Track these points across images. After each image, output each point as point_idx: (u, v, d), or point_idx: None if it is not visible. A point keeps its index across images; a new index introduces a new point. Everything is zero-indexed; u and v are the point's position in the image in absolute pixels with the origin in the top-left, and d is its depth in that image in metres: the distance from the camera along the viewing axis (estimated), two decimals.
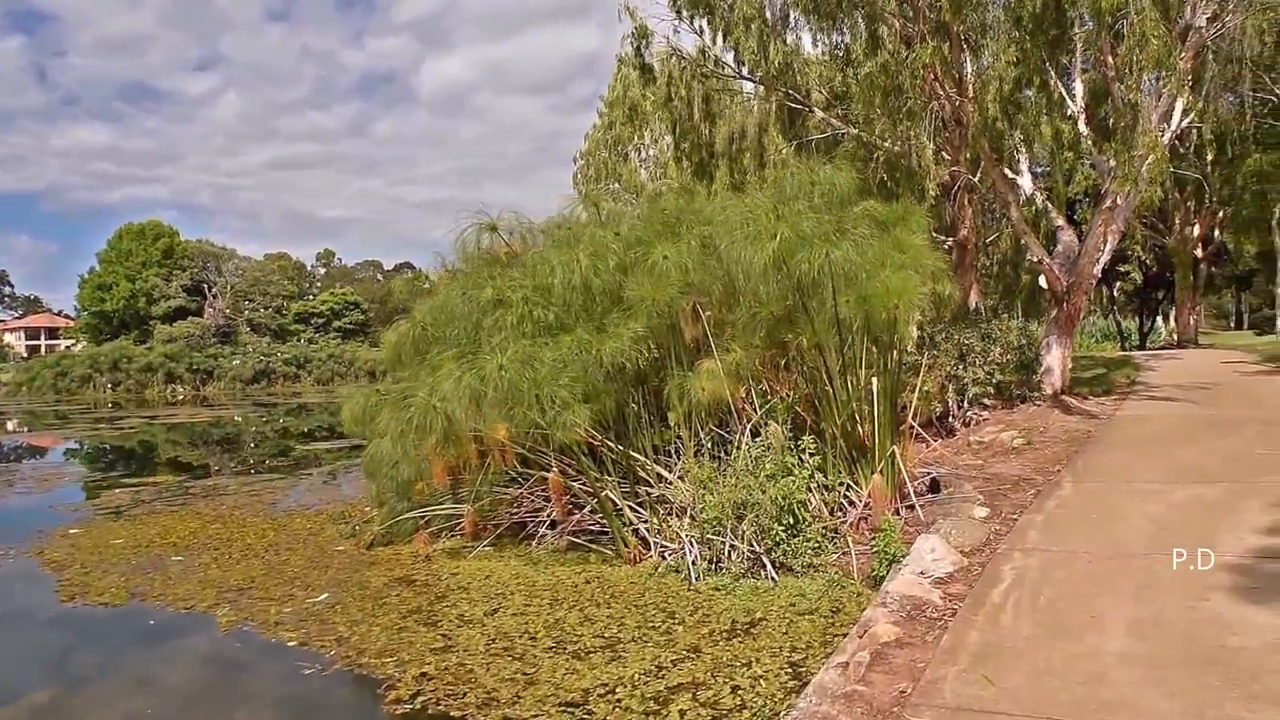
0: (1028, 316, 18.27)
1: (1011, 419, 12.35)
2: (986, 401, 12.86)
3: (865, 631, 4.76)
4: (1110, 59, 10.93)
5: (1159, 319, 42.16)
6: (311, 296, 70.96)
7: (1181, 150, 27.02)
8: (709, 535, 7.36)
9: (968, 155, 12.62)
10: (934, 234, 15.68)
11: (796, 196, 8.16)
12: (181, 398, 47.74)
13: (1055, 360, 12.97)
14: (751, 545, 7.15)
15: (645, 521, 8.06)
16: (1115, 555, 5.43)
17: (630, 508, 8.17)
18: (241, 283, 62.24)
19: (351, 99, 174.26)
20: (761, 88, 16.18)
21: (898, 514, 7.60)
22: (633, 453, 8.37)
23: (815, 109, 15.58)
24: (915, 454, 9.92)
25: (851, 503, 7.87)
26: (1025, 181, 13.65)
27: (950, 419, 12.83)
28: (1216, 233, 27.74)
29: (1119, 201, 11.71)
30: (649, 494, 8.10)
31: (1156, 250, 30.74)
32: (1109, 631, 4.19)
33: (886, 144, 12.87)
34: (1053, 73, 13.30)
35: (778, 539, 7.05)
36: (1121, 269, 33.47)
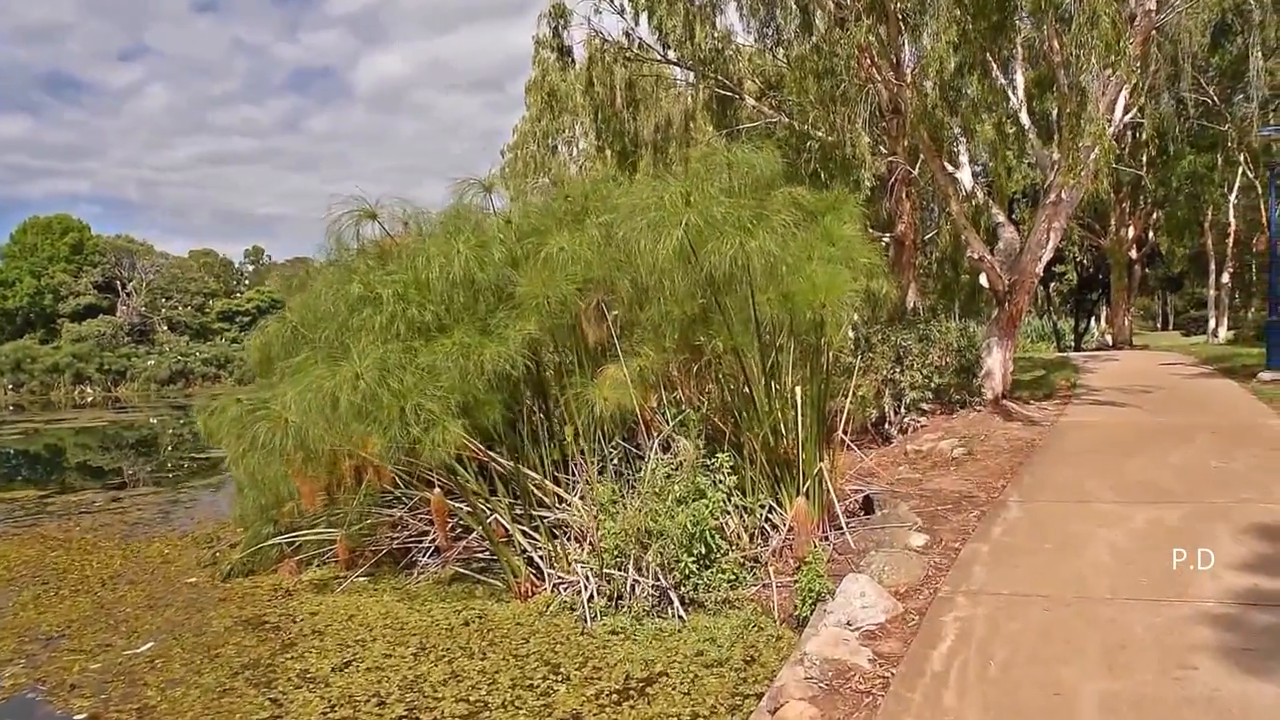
0: (968, 317, 17.67)
1: (951, 426, 11.61)
2: (925, 407, 12.11)
3: (776, 708, 3.79)
4: (1056, 43, 10.23)
5: (1093, 320, 42.54)
6: (239, 294, 68.07)
7: (1119, 150, 26.98)
8: (608, 568, 6.37)
9: (906, 145, 11.86)
10: (871, 230, 14.95)
11: (708, 179, 7.17)
12: (91, 399, 45.16)
13: (996, 363, 12.28)
14: (657, 579, 6.18)
15: (541, 549, 7.03)
16: (1076, 600, 4.55)
17: (524, 533, 7.13)
18: (159, 280, 59.23)
19: (286, 93, 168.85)
20: (692, 75, 15.26)
21: (826, 539, 6.69)
22: (528, 470, 7.33)
23: (747, 97, 14.72)
24: (849, 465, 9.09)
25: (775, 526, 6.93)
26: (966, 175, 12.95)
27: (887, 425, 12.06)
28: (1150, 234, 27.76)
29: (1063, 196, 11.04)
30: (545, 518, 7.08)
31: (1092, 251, 30.77)
32: (1079, 718, 3.28)
33: (820, 133, 12.04)
34: (994, 63, 12.63)
35: (687, 571, 6.09)
36: (1058, 269, 33.51)
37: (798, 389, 6.48)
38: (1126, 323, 28.89)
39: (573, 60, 14.56)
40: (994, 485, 7.87)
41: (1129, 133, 27.10)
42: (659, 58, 14.35)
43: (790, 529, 6.58)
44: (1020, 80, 13.10)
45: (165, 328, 57.31)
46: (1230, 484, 7.00)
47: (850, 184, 10.55)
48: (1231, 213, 24.61)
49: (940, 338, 11.66)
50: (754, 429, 6.82)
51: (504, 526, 7.06)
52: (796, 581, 5.77)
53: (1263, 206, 23.91)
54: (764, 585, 6.33)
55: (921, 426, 11.91)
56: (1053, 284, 37.85)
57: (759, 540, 6.94)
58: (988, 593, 4.82)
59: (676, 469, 6.73)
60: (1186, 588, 4.57)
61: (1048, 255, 12.39)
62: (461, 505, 7.12)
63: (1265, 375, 14.32)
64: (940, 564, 5.52)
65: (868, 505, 7.58)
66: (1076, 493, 7.17)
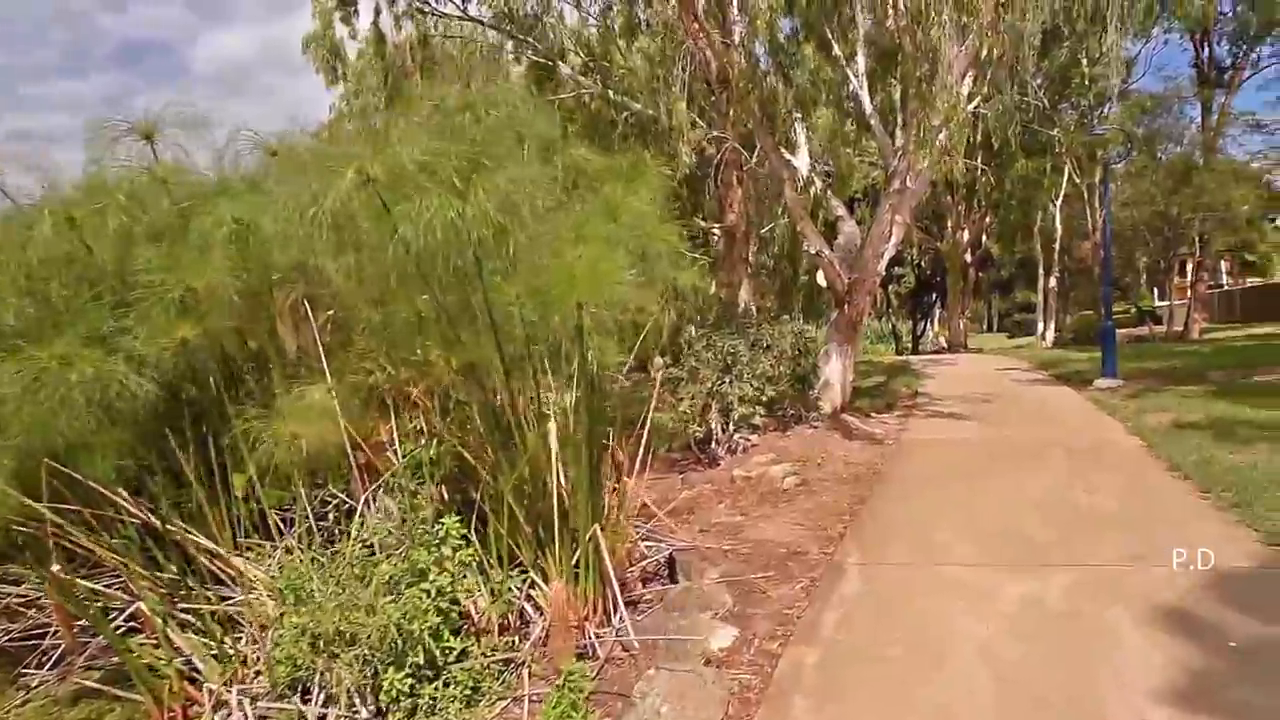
0: (808, 319, 16.54)
1: (785, 445, 10.10)
2: (757, 423, 10.57)
3: None
4: (903, 3, 8.84)
5: (929, 323, 43.46)
6: None
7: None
8: (282, 686, 4.25)
9: (736, 121, 10.27)
10: (700, 219, 13.41)
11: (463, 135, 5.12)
12: None
13: (835, 372, 10.91)
14: (354, 703, 4.12)
15: (208, 648, 4.81)
16: None
17: (185, 625, 4.87)
18: None
19: (109, 68, 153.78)
20: (511, 43, 13.20)
21: (603, 628, 4.82)
22: (197, 535, 5.08)
23: (565, 67, 12.77)
24: (663, 500, 7.35)
25: (539, 608, 5.01)
26: (803, 161, 11.53)
27: (714, 445, 10.41)
28: (984, 238, 27.99)
29: (909, 183, 9.74)
30: (229, 599, 4.88)
31: (930, 254, 30.89)
32: None
33: (638, 105, 10.25)
34: (833, 39, 11.28)
35: (397, 692, 4.06)
36: (898, 271, 33.68)
37: (551, 424, 4.57)
38: (962, 326, 29.05)
39: (355, 9, 12.21)
40: (829, 533, 6.27)
41: (968, 132, 27.21)
42: (456, 12, 12.19)
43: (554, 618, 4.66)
44: (862, 61, 11.84)
45: None
46: (1107, 529, 5.67)
47: (667, 157, 8.79)
48: (1058, 219, 24.88)
49: (774, 343, 10.13)
50: (507, 476, 4.86)
51: (163, 617, 4.79)
52: (548, 702, 3.89)
53: (1089, 212, 24.35)
54: (515, 698, 4.39)
55: (752, 446, 10.33)
56: (892, 286, 38.25)
57: (518, 626, 5.00)
58: None
59: (397, 531, 4.71)
60: None
61: (890, 251, 11.13)
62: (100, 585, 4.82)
63: (1101, 383, 13.76)
64: (747, 689, 3.74)
65: (671, 569, 5.77)
66: (927, 547, 5.63)
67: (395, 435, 5.41)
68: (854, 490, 7.67)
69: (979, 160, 25.91)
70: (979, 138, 25.02)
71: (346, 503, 5.29)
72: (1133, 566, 4.84)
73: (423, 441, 5.29)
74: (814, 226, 10.49)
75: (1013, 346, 31.89)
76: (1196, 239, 26.89)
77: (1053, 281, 25.86)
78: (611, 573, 4.74)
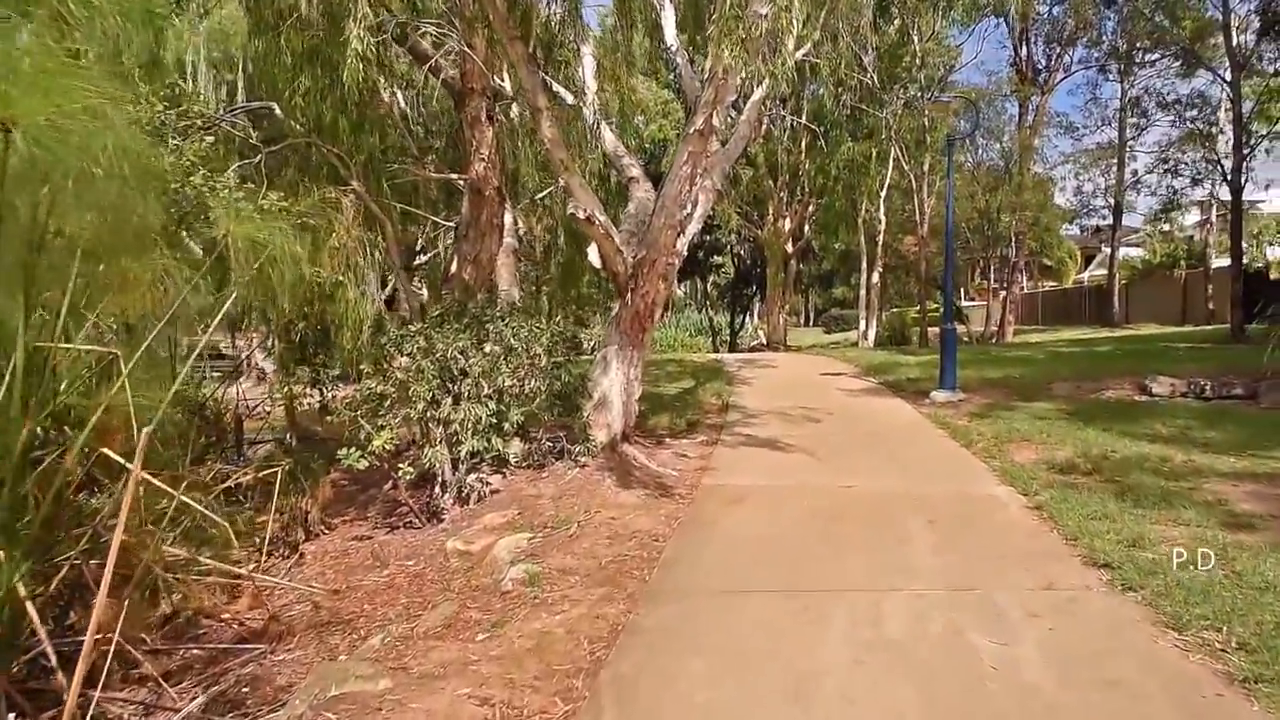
0: (586, 313, 13.48)
1: (537, 492, 6.92)
2: (511, 456, 7.33)
3: None
4: None
5: (749, 316, 41.84)
6: None
7: (777, 133, 24.81)
8: None
9: (470, 15, 6.93)
10: (430, 171, 9.93)
11: None
12: None
13: (615, 386, 7.82)
14: None
15: None
16: None
17: None
18: None
19: None
20: None
21: None
22: None
23: None
24: (350, 571, 4.18)
25: None
26: (592, 88, 8.29)
27: (438, 491, 7.04)
28: (806, 228, 26.10)
29: (714, 120, 6.74)
30: None
31: (749, 243, 28.82)
32: None
33: None
34: None
35: None
36: (717, 261, 31.48)
37: None
38: (781, 321, 27.11)
39: None
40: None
41: (789, 120, 25.16)
42: None
43: None
44: None
45: None
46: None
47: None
48: (883, 209, 23.25)
49: (522, 345, 6.88)
50: None
51: None
52: None
53: (916, 203, 22.82)
54: None
55: (493, 493, 7.08)
56: (712, 277, 36.14)
57: None
58: None
59: None
60: None
61: (695, 226, 8.15)
62: None
63: (939, 395, 11.53)
64: None
65: None
66: None
67: None
68: (609, 602, 4.56)
69: (803, 143, 23.94)
70: (804, 118, 23.01)
71: None
72: None
73: None
74: (581, 178, 7.31)
75: (831, 344, 30.46)
76: (1013, 238, 26.23)
77: (875, 277, 24.26)
78: None
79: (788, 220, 25.56)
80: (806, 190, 24.89)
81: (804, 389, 13.41)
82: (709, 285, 37.81)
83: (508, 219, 9.92)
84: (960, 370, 12.19)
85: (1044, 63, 28.38)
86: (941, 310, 15.02)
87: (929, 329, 23.92)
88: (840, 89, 21.51)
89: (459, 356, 6.83)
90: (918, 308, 27.32)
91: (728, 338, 35.96)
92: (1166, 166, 21.35)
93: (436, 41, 7.83)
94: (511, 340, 6.84)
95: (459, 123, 8.45)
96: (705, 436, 9.27)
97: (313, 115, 6.99)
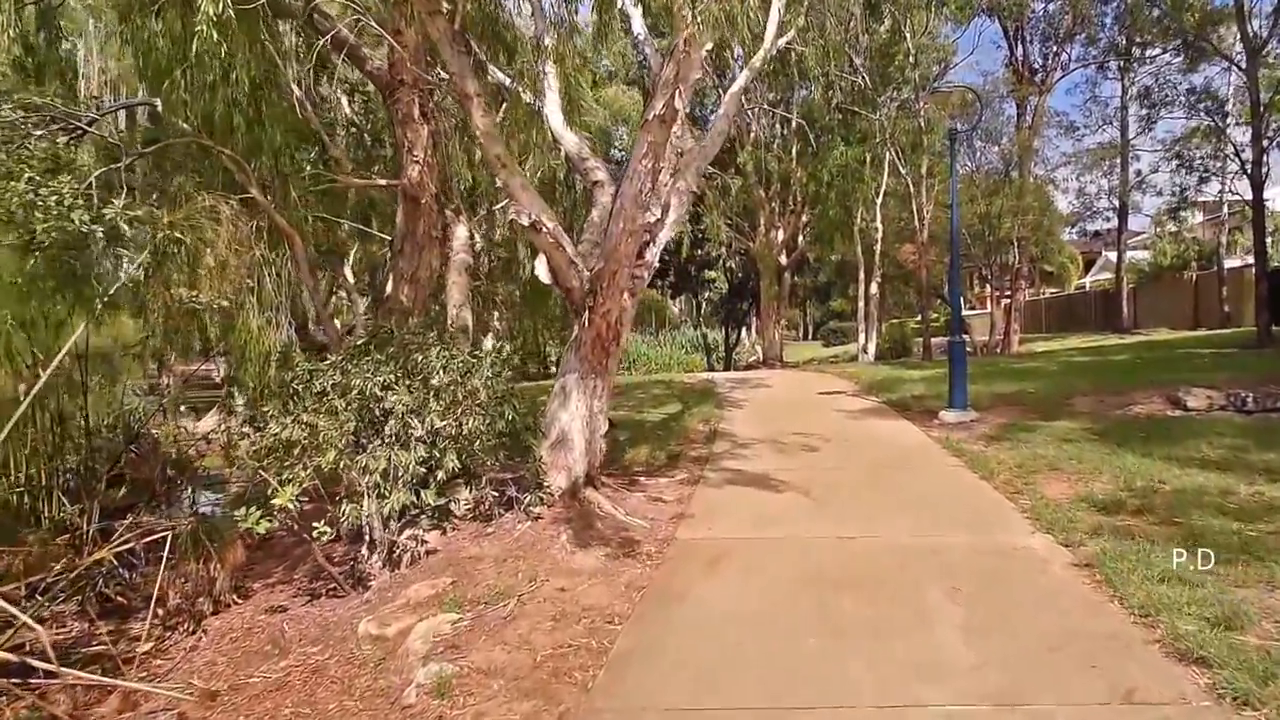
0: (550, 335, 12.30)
1: (478, 554, 5.77)
2: (457, 507, 6.19)
3: None
4: None
5: (744, 331, 40.63)
6: None
7: (767, 139, 23.77)
8: None
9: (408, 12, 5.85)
10: (358, 173, 8.78)
11: None
12: None
13: (575, 421, 6.67)
14: None
15: None
16: None
17: None
18: None
19: None
20: None
21: None
22: None
23: None
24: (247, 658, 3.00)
25: None
26: (555, 77, 7.20)
27: (369, 551, 5.86)
28: (800, 238, 24.98)
29: (677, 103, 5.64)
30: None
31: (741, 255, 27.73)
32: None
33: None
34: None
35: None
36: (709, 275, 30.34)
37: None
38: (777, 336, 25.95)
39: None
40: None
41: (778, 125, 24.13)
42: None
43: None
44: None
45: None
46: None
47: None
48: (879, 217, 22.15)
49: (453, 379, 5.72)
50: None
51: None
52: None
53: (914, 210, 21.72)
54: None
55: (429, 553, 5.92)
56: (706, 294, 34.99)
57: None
58: None
59: None
60: None
61: (668, 232, 7.01)
62: None
63: (950, 416, 10.39)
64: None
65: None
66: None
67: None
68: None
69: (794, 152, 22.89)
70: (793, 122, 21.99)
71: None
72: None
73: None
74: (526, 181, 6.18)
75: (830, 358, 29.29)
76: (1015, 243, 25.12)
77: (874, 287, 23.11)
78: None
79: (780, 231, 24.46)
80: (799, 199, 23.80)
81: (800, 411, 12.24)
82: (703, 301, 36.66)
83: (461, 232, 8.80)
84: (969, 385, 11.04)
85: (1041, 61, 27.49)
86: (946, 320, 13.87)
87: (931, 340, 22.79)
88: (830, 91, 20.52)
89: (381, 394, 5.70)
90: (918, 318, 26.14)
91: (723, 354, 34.75)
92: (1179, 162, 20.21)
93: (357, 26, 6.73)
94: (441, 373, 5.69)
95: (390, 120, 7.34)
96: (686, 473, 8.10)
97: (199, 111, 5.90)
